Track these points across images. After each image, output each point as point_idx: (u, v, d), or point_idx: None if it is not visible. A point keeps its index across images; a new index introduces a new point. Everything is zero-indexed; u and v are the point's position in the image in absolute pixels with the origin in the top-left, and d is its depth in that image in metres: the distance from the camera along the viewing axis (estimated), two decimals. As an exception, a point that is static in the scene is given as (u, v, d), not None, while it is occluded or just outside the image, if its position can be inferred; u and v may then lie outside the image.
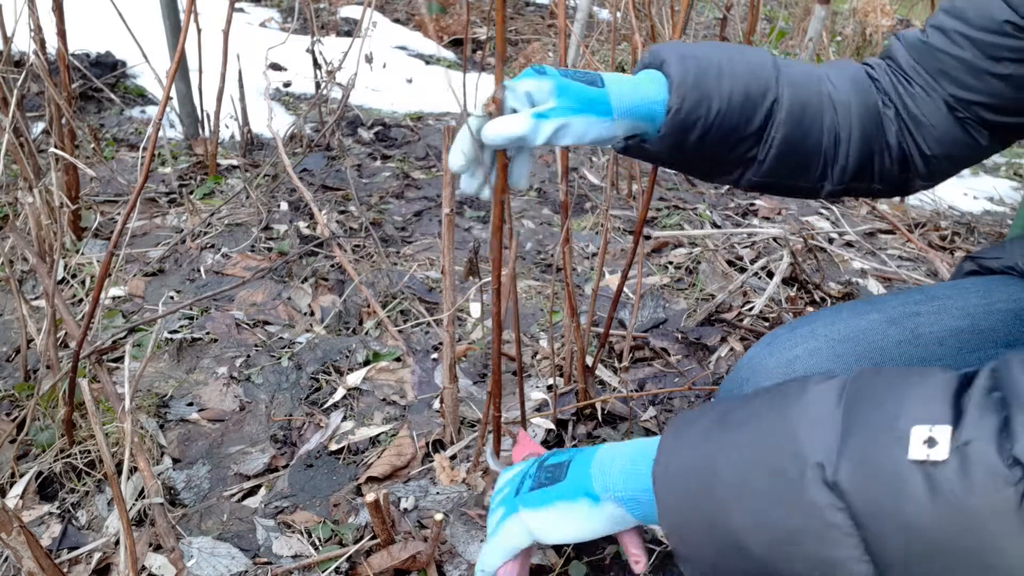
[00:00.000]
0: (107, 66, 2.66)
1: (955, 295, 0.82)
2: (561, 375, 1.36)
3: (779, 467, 0.51)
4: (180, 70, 2.24)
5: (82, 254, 1.70)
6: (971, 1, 0.74)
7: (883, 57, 0.84)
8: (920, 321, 0.79)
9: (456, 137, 0.72)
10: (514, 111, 0.69)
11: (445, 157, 0.87)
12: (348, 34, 3.84)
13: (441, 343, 1.48)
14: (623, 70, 3.82)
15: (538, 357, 1.47)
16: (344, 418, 1.30)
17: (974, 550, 0.44)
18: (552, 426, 1.23)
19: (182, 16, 2.14)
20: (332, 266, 1.75)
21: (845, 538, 0.48)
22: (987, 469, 0.43)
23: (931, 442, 0.45)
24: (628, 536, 0.67)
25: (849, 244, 2.12)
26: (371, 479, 1.16)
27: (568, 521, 0.65)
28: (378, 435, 1.26)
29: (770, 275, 1.83)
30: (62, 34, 1.63)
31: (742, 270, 1.86)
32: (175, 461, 1.19)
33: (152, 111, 2.60)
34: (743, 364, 0.83)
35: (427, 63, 3.81)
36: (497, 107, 0.68)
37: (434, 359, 1.45)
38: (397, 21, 4.33)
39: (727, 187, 2.49)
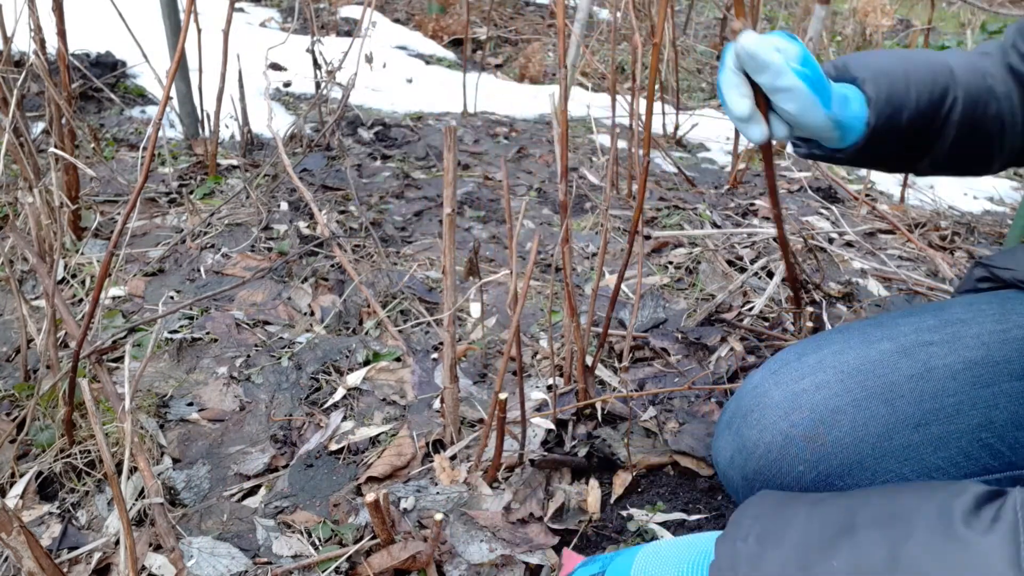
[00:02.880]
0: (107, 66, 2.66)
1: (970, 319, 0.80)
2: (561, 375, 1.35)
3: None
4: (180, 70, 2.24)
5: (82, 254, 1.70)
6: None
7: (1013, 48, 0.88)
8: (933, 352, 0.77)
9: (724, 80, 0.74)
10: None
11: (447, 156, 0.87)
12: (348, 34, 3.84)
13: (441, 343, 1.48)
14: (623, 70, 3.82)
15: (538, 357, 1.47)
16: (344, 418, 1.30)
17: None
18: (552, 426, 1.23)
19: (182, 16, 2.14)
20: (332, 266, 1.75)
21: None
22: None
23: None
24: None
25: (849, 244, 2.12)
26: (371, 479, 1.16)
27: None
28: (378, 435, 1.26)
29: (770, 275, 1.83)
30: (62, 34, 1.63)
31: (742, 270, 1.86)
32: (175, 461, 1.19)
33: (152, 111, 2.60)
34: (747, 392, 0.81)
35: (427, 63, 3.81)
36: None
37: (434, 359, 1.45)
38: (397, 21, 4.33)
39: (727, 187, 2.49)
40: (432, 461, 1.19)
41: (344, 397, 1.34)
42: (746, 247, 1.97)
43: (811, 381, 0.76)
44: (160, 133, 2.32)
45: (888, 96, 0.79)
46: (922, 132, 0.83)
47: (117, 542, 1.02)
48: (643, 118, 1.14)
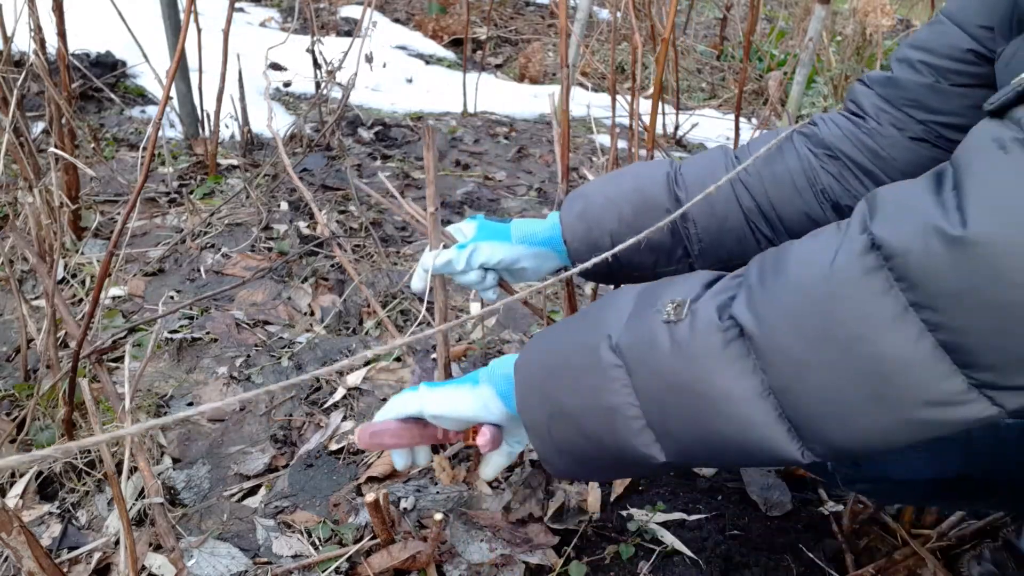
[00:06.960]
0: (107, 66, 2.66)
1: None
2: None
3: (588, 343, 0.66)
4: (180, 70, 2.24)
5: (82, 254, 1.70)
6: (934, 33, 0.80)
7: (848, 99, 0.89)
8: None
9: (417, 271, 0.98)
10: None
11: (427, 156, 0.89)
12: (348, 34, 3.84)
13: (441, 343, 1.48)
14: (623, 70, 3.82)
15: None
16: (344, 418, 1.30)
17: (695, 382, 0.58)
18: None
19: (182, 16, 2.14)
20: (332, 266, 1.75)
21: (623, 388, 0.62)
22: (706, 322, 0.58)
23: (677, 309, 0.60)
24: (487, 426, 0.78)
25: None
26: (371, 479, 1.16)
27: (450, 398, 0.78)
28: (378, 435, 1.26)
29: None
30: (62, 34, 1.63)
31: (742, 270, 1.86)
32: (175, 461, 1.19)
33: (152, 111, 2.60)
34: None
35: (427, 63, 3.81)
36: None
37: (434, 359, 1.45)
38: (397, 21, 4.33)
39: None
40: (432, 461, 1.19)
41: (344, 397, 1.34)
42: (746, 247, 1.97)
43: None
44: (160, 133, 2.32)
45: (581, 213, 0.91)
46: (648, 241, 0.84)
47: (117, 542, 1.02)
48: (643, 118, 1.14)
